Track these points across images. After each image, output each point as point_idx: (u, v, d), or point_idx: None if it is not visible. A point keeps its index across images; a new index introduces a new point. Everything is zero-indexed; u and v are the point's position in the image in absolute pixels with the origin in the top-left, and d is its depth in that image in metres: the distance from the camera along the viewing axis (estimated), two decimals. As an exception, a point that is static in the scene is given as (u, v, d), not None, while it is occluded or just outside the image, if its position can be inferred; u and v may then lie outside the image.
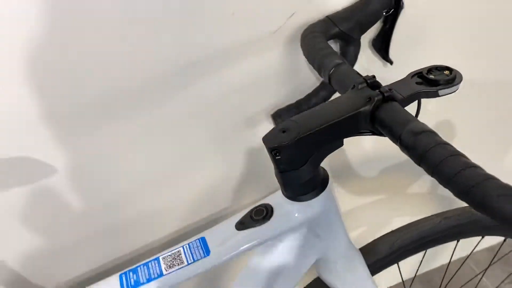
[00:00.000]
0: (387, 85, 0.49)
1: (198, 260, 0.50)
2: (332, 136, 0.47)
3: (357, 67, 0.77)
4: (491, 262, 0.89)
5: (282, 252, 0.54)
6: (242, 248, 0.51)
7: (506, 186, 0.33)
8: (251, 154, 0.81)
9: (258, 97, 0.73)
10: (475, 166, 0.35)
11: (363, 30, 0.68)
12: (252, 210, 0.54)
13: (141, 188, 0.73)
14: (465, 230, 0.70)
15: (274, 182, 0.51)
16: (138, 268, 0.51)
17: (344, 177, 0.97)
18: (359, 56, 0.75)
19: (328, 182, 0.52)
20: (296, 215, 0.52)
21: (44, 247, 0.72)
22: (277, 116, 0.73)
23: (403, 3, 0.68)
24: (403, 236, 0.66)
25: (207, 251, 0.51)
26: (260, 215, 0.52)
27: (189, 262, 0.50)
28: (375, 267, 0.66)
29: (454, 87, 0.48)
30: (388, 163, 1.00)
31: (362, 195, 1.05)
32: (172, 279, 0.49)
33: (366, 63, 0.78)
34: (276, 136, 0.46)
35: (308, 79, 0.76)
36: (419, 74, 0.50)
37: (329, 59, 0.55)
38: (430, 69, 0.50)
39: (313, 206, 0.51)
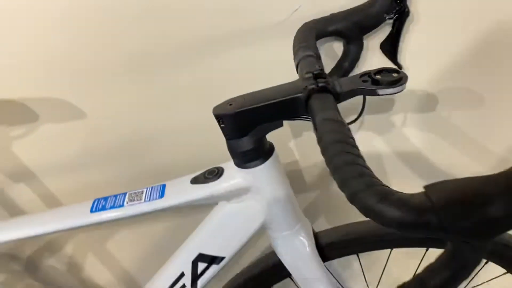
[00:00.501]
0: (334, 79, 0.54)
1: (153, 200, 0.60)
2: (270, 115, 0.53)
3: (367, 67, 0.80)
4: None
5: (229, 212, 0.62)
6: (190, 198, 0.60)
7: (385, 191, 0.35)
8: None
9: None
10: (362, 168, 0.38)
11: (363, 31, 0.72)
12: (206, 170, 0.62)
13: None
14: (400, 239, 0.70)
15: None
16: (109, 198, 0.63)
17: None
18: (370, 57, 0.79)
19: (272, 155, 0.58)
20: (239, 180, 0.59)
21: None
22: None
23: (408, 10, 0.70)
24: (355, 230, 0.69)
25: (162, 195, 0.61)
26: (211, 174, 0.61)
27: (146, 200, 0.60)
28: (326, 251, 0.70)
29: (395, 88, 0.51)
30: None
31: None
32: (129, 211, 0.60)
33: (378, 64, 0.80)
34: (222, 107, 0.54)
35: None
36: (368, 74, 0.53)
37: (301, 51, 0.60)
38: (381, 71, 0.53)
39: (255, 174, 0.57)
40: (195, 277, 0.68)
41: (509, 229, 0.36)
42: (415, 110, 0.88)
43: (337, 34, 0.71)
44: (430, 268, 0.41)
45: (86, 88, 0.79)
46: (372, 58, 0.80)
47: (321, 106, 0.49)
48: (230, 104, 0.54)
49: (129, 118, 0.84)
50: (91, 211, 0.61)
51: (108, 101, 0.81)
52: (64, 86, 0.78)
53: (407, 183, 1.00)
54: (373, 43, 0.77)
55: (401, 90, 0.52)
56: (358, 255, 0.75)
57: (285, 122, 0.57)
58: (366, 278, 0.90)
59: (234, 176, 0.60)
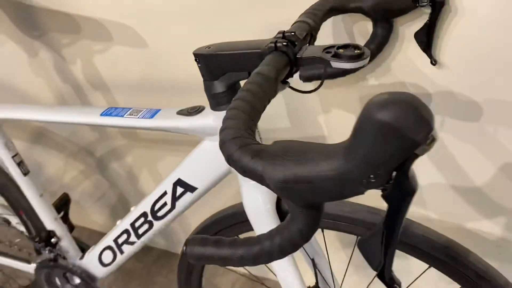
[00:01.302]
0: (303, 44, 0.56)
1: (143, 118, 0.70)
2: (234, 64, 0.58)
3: (400, 56, 0.77)
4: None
5: (205, 148, 0.70)
6: (170, 125, 0.69)
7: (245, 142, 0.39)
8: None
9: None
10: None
11: (390, 14, 0.69)
12: (192, 106, 0.70)
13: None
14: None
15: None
16: (118, 108, 0.75)
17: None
18: (405, 47, 0.75)
19: None
20: (210, 120, 0.65)
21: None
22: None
23: (442, 1, 0.66)
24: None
25: (152, 117, 0.70)
26: (193, 110, 0.68)
27: (139, 117, 0.71)
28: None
29: (348, 63, 0.52)
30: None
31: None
32: (123, 122, 0.72)
33: (412, 54, 0.76)
34: (201, 49, 0.60)
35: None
36: (333, 46, 0.54)
37: (301, 16, 0.63)
38: (347, 46, 0.54)
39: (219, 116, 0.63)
40: (174, 198, 0.78)
41: (320, 197, 0.37)
42: (454, 115, 0.81)
43: (359, 12, 0.70)
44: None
45: (151, 22, 0.91)
46: (408, 48, 0.76)
47: (266, 62, 0.52)
48: (208, 48, 0.60)
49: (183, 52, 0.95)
50: (101, 114, 0.74)
51: (165, 37, 0.93)
52: (135, 17, 0.92)
53: (438, 188, 0.94)
54: (409, 31, 0.74)
55: (355, 67, 0.52)
56: (322, 230, 0.76)
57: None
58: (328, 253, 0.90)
59: (208, 116, 0.66)
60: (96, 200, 1.49)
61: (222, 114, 0.63)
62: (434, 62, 0.73)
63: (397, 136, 0.31)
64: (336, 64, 0.53)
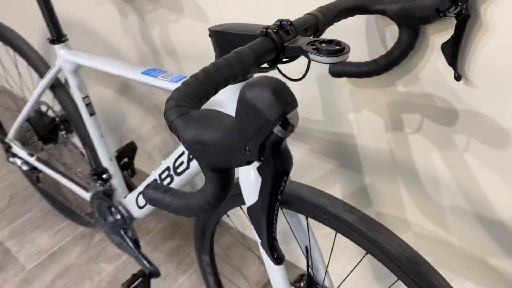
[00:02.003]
0: (292, 38, 0.60)
1: (170, 81, 0.80)
2: (237, 43, 0.64)
3: (428, 66, 0.75)
4: None
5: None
6: None
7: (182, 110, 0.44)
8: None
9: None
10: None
11: (412, 21, 0.69)
12: None
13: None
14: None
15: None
16: (157, 70, 0.85)
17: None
18: (433, 57, 0.74)
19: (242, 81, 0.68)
20: (219, 94, 0.72)
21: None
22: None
23: (467, 14, 0.63)
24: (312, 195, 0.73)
25: (177, 81, 0.79)
26: None
27: (168, 80, 0.80)
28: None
29: (321, 57, 0.55)
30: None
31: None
32: (154, 82, 0.81)
33: (441, 66, 0.74)
34: (215, 26, 0.67)
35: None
36: (318, 41, 0.57)
37: (316, 10, 0.66)
38: (331, 41, 0.57)
39: (225, 91, 0.69)
40: (189, 158, 0.87)
41: (216, 160, 0.42)
42: (481, 139, 0.77)
43: (383, 14, 0.70)
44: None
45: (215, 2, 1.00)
46: (437, 60, 0.74)
47: (250, 44, 0.57)
48: (221, 26, 0.66)
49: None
50: (141, 72, 0.85)
51: (224, 18, 1.01)
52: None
53: (462, 213, 0.89)
54: (439, 42, 0.71)
55: (331, 62, 0.55)
56: (307, 218, 0.78)
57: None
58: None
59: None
60: (164, 155, 1.66)
61: (227, 89, 0.70)
62: (458, 77, 0.70)
63: (255, 113, 0.35)
64: (313, 57, 0.56)
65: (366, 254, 0.70)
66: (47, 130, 1.39)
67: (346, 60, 0.83)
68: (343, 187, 1.08)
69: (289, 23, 0.60)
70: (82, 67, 1.04)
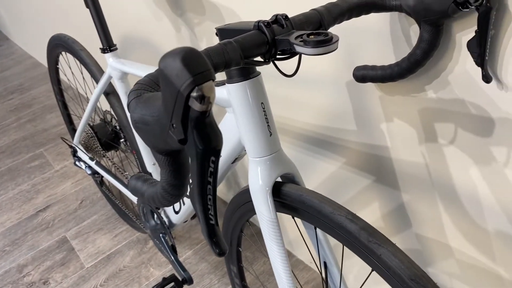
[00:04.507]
0: (285, 32, 0.58)
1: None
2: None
3: (458, 69, 0.68)
4: None
5: (225, 118, 0.76)
6: None
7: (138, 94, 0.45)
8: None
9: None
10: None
11: (430, 15, 0.63)
12: (222, 80, 0.76)
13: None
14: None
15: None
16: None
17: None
18: (461, 58, 0.67)
19: (248, 79, 0.66)
20: (224, 92, 0.71)
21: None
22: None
23: (489, 5, 0.57)
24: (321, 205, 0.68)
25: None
26: (221, 82, 0.75)
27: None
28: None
29: (305, 48, 0.53)
30: None
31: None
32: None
33: (471, 67, 0.66)
34: (222, 25, 0.68)
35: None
36: (307, 34, 0.55)
37: (322, 6, 0.64)
38: (319, 33, 0.54)
39: (229, 90, 0.67)
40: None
41: (156, 140, 0.41)
42: (522, 151, 0.67)
43: (399, 11, 0.65)
44: None
45: (253, 12, 1.01)
46: (466, 61, 0.66)
47: (240, 36, 0.57)
48: (227, 25, 0.67)
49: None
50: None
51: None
52: (241, 4, 1.03)
53: (509, 238, 0.78)
54: (466, 40, 0.64)
55: (313, 54, 0.52)
56: (315, 228, 0.73)
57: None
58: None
59: (223, 89, 0.73)
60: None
61: (232, 87, 0.69)
62: (486, 78, 0.62)
63: (168, 83, 0.34)
64: (299, 49, 0.54)
65: (372, 271, 0.63)
66: (108, 137, 1.50)
67: (371, 64, 0.79)
68: (381, 205, 1.00)
69: (284, 17, 0.58)
70: (128, 74, 1.10)
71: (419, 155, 0.83)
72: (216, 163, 0.39)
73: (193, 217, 1.26)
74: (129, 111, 0.44)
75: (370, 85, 0.84)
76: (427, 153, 0.82)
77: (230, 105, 0.73)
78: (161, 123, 0.38)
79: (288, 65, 0.74)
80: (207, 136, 0.37)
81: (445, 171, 0.80)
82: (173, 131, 0.37)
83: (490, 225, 0.79)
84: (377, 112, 0.86)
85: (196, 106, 0.34)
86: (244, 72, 0.67)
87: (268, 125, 0.71)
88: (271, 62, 0.61)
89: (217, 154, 0.38)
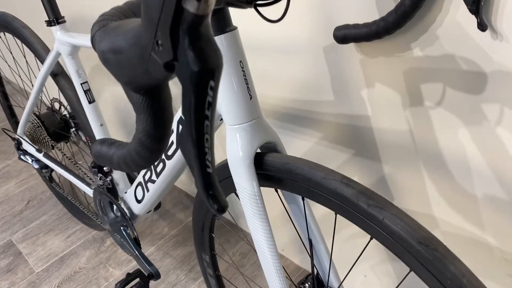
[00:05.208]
0: None
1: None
2: None
3: (448, 20, 0.63)
4: None
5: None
6: None
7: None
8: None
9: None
10: None
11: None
12: None
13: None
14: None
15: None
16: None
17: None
18: (452, 8, 0.62)
19: (224, 33, 0.59)
20: None
21: None
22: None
23: None
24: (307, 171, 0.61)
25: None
26: None
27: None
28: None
29: None
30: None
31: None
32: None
33: (463, 17, 0.62)
34: None
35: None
36: None
37: None
38: None
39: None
40: (177, 136, 0.78)
41: (133, 71, 0.33)
42: (516, 107, 0.64)
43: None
44: None
45: None
46: (457, 11, 0.62)
47: None
48: None
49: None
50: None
51: None
52: None
53: (499, 206, 0.75)
54: (459, -13, 0.60)
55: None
56: (303, 199, 0.67)
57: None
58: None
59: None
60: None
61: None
62: (482, 26, 0.58)
63: None
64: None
65: (371, 239, 0.57)
66: (57, 127, 1.36)
67: (352, 23, 0.73)
68: (361, 179, 0.95)
69: None
70: (79, 49, 0.99)
71: (403, 122, 0.79)
72: (215, 90, 0.31)
73: (157, 207, 1.16)
74: (93, 45, 0.36)
75: (350, 48, 0.79)
76: (412, 118, 0.77)
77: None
78: (140, 45, 0.30)
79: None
80: (203, 52, 0.29)
81: (431, 136, 0.76)
82: (157, 52, 0.29)
83: (479, 191, 0.76)
84: (357, 78, 0.81)
85: (192, 5, 0.26)
86: (219, 25, 0.59)
87: (247, 87, 0.63)
88: (253, 7, 0.54)
89: (217, 78, 0.31)
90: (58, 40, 0.99)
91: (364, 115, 0.85)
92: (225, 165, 0.74)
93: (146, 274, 1.06)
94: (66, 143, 1.45)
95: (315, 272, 0.78)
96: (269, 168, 0.65)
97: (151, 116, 0.36)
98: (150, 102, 0.35)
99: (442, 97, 0.71)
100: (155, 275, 1.07)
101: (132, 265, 1.44)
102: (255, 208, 0.67)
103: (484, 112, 0.67)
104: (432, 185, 0.82)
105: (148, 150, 0.38)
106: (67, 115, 1.36)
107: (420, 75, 0.72)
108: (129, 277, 1.00)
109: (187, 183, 1.73)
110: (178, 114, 0.77)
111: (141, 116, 0.36)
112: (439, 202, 0.83)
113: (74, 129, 1.35)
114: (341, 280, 0.79)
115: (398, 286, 0.63)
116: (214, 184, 0.36)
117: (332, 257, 0.77)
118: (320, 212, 1.11)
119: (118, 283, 1.00)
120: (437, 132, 0.75)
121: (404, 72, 0.73)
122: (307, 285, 0.80)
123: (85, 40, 0.94)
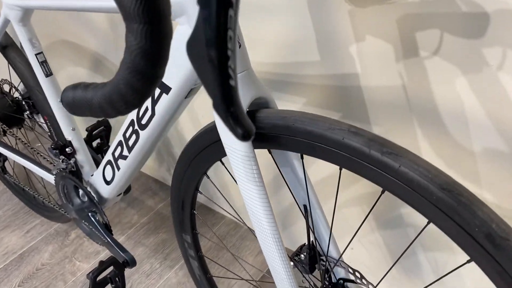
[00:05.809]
0: None
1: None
2: None
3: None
4: None
5: (178, 34, 0.59)
6: None
7: None
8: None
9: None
10: None
11: None
12: None
13: None
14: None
15: None
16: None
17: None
18: None
19: None
20: None
21: None
22: None
23: None
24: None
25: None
26: None
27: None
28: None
29: None
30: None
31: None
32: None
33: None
34: None
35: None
36: None
37: None
38: None
39: None
40: (153, 102, 0.70)
41: None
42: (521, 48, 0.60)
43: None
44: None
45: None
46: None
47: None
48: None
49: None
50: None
51: None
52: None
53: (497, 158, 0.72)
54: None
55: None
56: (302, 157, 0.61)
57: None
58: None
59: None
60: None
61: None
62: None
63: None
64: None
65: (383, 192, 0.52)
66: (8, 110, 1.23)
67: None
68: (348, 145, 0.90)
69: None
70: (32, 13, 0.88)
71: (395, 76, 0.74)
72: None
73: (127, 191, 1.07)
74: None
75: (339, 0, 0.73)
76: (406, 72, 0.73)
77: (182, 13, 0.57)
78: None
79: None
80: None
81: (426, 90, 0.72)
82: None
83: (476, 144, 0.72)
84: (345, 33, 0.76)
85: None
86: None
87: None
88: None
89: None
90: (6, 5, 0.87)
91: (353, 73, 0.80)
92: (211, 128, 0.67)
93: (121, 262, 0.97)
94: (20, 128, 1.32)
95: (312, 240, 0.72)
96: (263, 125, 0.58)
97: (148, 25, 0.28)
98: (148, 3, 0.27)
99: (439, 45, 0.67)
100: (131, 262, 0.98)
101: (101, 257, 1.34)
102: (249, 172, 0.60)
103: (485, 57, 0.64)
104: (426, 143, 0.78)
105: (142, 77, 0.31)
106: (20, 97, 1.23)
107: (415, 22, 0.67)
108: (102, 265, 0.91)
109: (154, 168, 1.63)
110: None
111: (134, 26, 0.28)
112: (434, 161, 0.79)
113: (28, 112, 1.23)
114: (341, 252, 0.74)
115: (403, 252, 0.59)
116: (237, 101, 0.29)
117: (325, 227, 0.72)
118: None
119: (90, 272, 0.91)
120: (432, 85, 0.71)
121: (398, 20, 0.69)
122: (302, 256, 0.74)
123: (38, 0, 0.83)
